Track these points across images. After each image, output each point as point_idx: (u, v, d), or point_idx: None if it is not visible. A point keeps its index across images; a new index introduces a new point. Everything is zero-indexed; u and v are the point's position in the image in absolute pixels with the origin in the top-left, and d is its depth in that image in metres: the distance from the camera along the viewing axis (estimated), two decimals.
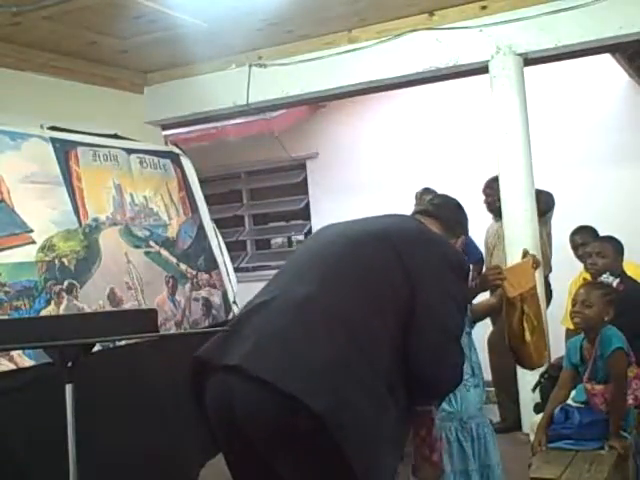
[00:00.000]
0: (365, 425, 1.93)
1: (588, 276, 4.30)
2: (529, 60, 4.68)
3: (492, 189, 5.06)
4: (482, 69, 4.73)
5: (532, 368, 3.34)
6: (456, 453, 2.84)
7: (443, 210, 2.75)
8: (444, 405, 2.86)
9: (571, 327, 4.14)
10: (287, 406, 1.88)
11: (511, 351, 3.02)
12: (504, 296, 2.87)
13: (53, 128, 4.36)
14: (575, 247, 4.87)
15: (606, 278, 3.61)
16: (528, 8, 4.49)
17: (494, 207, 5.13)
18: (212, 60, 5.25)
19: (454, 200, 2.86)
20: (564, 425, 3.31)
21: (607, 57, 5.88)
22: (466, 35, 4.67)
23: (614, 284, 3.53)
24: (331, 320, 2.02)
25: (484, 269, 5.80)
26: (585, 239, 4.79)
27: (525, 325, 2.88)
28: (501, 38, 4.58)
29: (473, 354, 2.97)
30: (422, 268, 2.15)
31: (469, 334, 3.00)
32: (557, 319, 4.56)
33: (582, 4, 4.32)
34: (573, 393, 3.51)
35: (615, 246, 4.23)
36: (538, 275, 3.92)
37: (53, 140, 4.25)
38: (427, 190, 5.88)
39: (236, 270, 5.76)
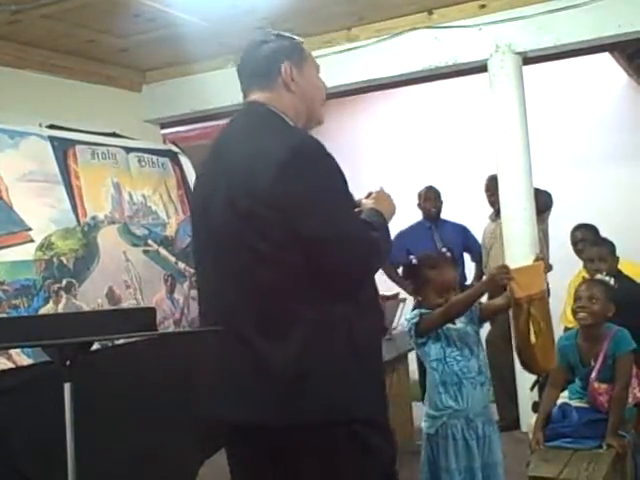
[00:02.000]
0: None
1: (587, 275, 4.32)
2: (528, 59, 4.68)
3: (494, 188, 5.06)
4: (481, 68, 4.73)
5: (538, 372, 3.32)
6: (462, 451, 2.85)
7: (247, 65, 2.23)
8: (451, 403, 2.88)
9: (569, 325, 4.15)
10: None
11: (517, 353, 3.02)
12: (511, 296, 2.86)
13: (51, 126, 4.36)
14: (575, 242, 4.92)
15: (603, 277, 3.62)
16: (527, 7, 4.49)
17: (498, 205, 5.13)
18: (211, 59, 5.25)
19: (252, 45, 2.25)
20: (562, 424, 3.31)
21: (606, 56, 5.88)
22: (465, 34, 4.67)
23: (611, 283, 3.54)
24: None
25: (483, 268, 5.82)
26: (585, 236, 4.83)
27: (531, 327, 2.87)
28: (500, 37, 4.58)
29: (480, 352, 2.98)
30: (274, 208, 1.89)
31: (477, 332, 3.01)
32: (555, 317, 4.56)
33: (581, 3, 4.33)
34: (565, 392, 3.52)
35: (610, 248, 4.28)
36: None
37: (51, 138, 4.25)
38: (430, 189, 5.88)
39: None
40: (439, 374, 2.91)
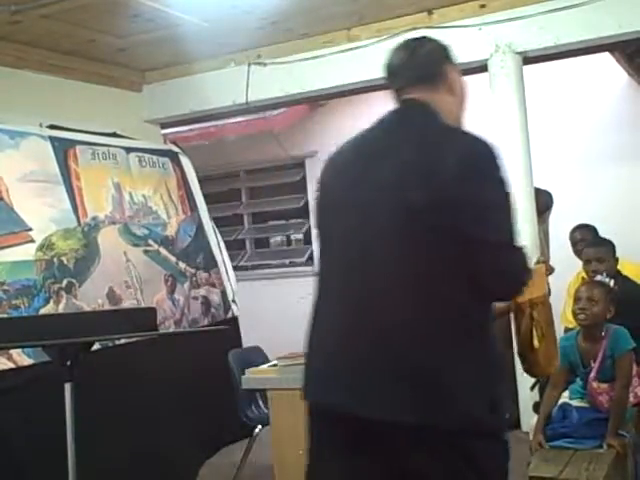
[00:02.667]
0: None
1: (586, 276, 4.32)
2: (528, 59, 4.68)
3: None
4: (481, 68, 4.73)
5: (540, 375, 3.32)
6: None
7: (408, 62, 2.17)
8: None
9: (570, 326, 4.15)
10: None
11: (519, 357, 3.01)
12: (513, 300, 2.84)
13: (52, 127, 4.36)
14: (574, 243, 4.92)
15: (602, 279, 3.62)
16: (527, 7, 4.49)
17: None
18: (211, 59, 5.25)
19: (417, 40, 2.23)
20: (563, 424, 3.31)
21: (606, 56, 5.87)
22: (465, 34, 4.66)
23: (610, 284, 3.54)
24: None
25: None
26: (585, 236, 4.83)
27: (534, 332, 2.85)
28: (500, 37, 4.58)
29: None
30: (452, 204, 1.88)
31: None
32: (555, 318, 4.55)
33: (581, 3, 4.32)
34: (566, 392, 3.52)
35: (610, 248, 4.27)
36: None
37: (52, 139, 4.25)
38: None
39: (235, 269, 5.76)
40: None
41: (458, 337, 1.92)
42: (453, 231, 1.88)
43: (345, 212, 2.07)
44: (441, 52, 2.18)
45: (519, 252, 1.98)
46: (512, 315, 2.89)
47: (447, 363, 1.90)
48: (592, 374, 3.35)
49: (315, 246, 2.30)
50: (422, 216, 1.89)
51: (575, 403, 3.40)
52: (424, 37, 2.23)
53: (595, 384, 3.33)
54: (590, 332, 3.40)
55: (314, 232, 2.24)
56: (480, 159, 1.96)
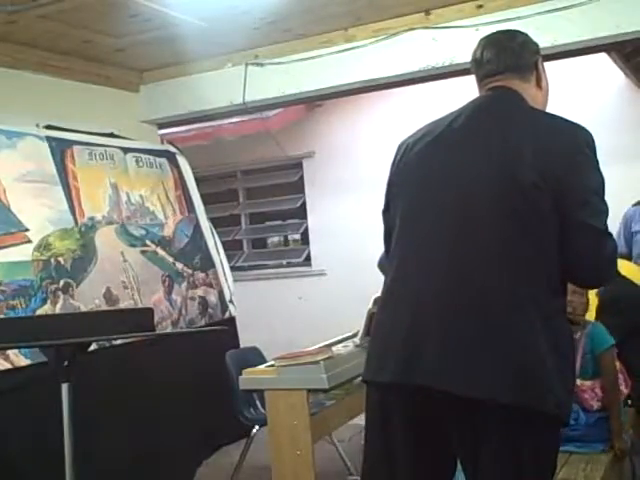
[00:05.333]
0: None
1: None
2: None
3: None
4: None
5: None
6: None
7: (505, 49, 2.26)
8: None
9: None
10: None
11: None
12: None
13: (49, 127, 4.36)
14: None
15: None
16: (524, 7, 4.48)
17: None
18: (209, 59, 5.24)
19: (507, 33, 2.36)
20: (573, 427, 3.30)
21: (603, 56, 5.88)
22: (462, 34, 4.66)
23: None
24: None
25: None
26: None
27: None
28: None
29: None
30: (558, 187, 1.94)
31: None
32: None
33: (578, 3, 4.32)
34: None
35: None
36: None
37: (49, 139, 4.25)
38: None
39: (232, 269, 5.76)
40: None
41: (548, 321, 1.94)
42: (557, 212, 1.93)
43: (445, 189, 2.07)
44: (533, 45, 2.28)
45: (614, 241, 2.03)
46: None
47: (541, 346, 1.91)
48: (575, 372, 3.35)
49: (391, 225, 2.25)
50: (530, 194, 1.93)
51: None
52: (516, 30, 2.34)
53: (579, 381, 3.33)
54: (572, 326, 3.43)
55: (395, 211, 2.19)
56: (584, 145, 2.04)
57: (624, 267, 4.41)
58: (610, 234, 2.02)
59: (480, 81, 2.29)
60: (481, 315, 1.93)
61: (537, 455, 1.96)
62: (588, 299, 3.45)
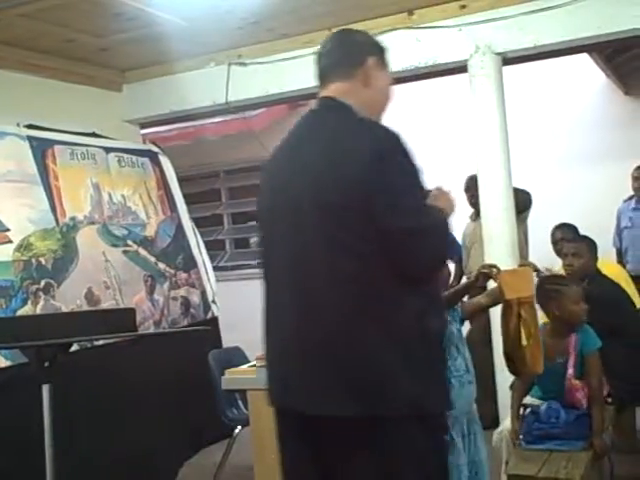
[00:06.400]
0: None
1: (564, 273, 4.36)
2: (508, 59, 4.69)
3: (475, 188, 5.08)
4: (461, 68, 4.74)
5: (527, 375, 3.32)
6: (449, 448, 2.86)
7: (332, 52, 2.26)
8: None
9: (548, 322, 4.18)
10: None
11: (506, 358, 3.02)
12: (501, 298, 2.86)
13: (30, 126, 4.33)
14: (555, 242, 4.98)
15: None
16: (507, 7, 4.50)
17: (479, 206, 5.16)
18: (191, 58, 5.22)
19: (336, 35, 2.32)
20: (553, 425, 3.32)
21: (585, 57, 5.92)
22: (445, 34, 4.67)
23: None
24: None
25: (463, 268, 5.85)
26: (565, 235, 4.88)
27: (522, 329, 2.87)
28: (480, 37, 4.59)
29: (466, 350, 2.99)
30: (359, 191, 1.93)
31: (459, 331, 3.02)
32: None
33: (561, 4, 4.34)
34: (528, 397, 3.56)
35: (590, 246, 4.30)
36: None
37: (30, 138, 4.22)
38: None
39: (215, 269, 5.75)
40: None
41: (392, 327, 1.95)
42: (370, 224, 1.92)
43: (279, 217, 2.13)
44: (368, 43, 2.26)
45: (432, 234, 2.00)
46: (501, 314, 2.92)
47: (384, 354, 1.94)
48: (570, 371, 3.38)
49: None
50: (340, 214, 1.94)
51: (549, 403, 3.41)
52: (350, 29, 2.32)
53: (573, 381, 3.36)
54: (557, 327, 3.45)
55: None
56: (383, 150, 1.98)
57: (606, 267, 4.44)
58: (426, 230, 1.98)
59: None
60: (317, 334, 1.99)
61: (412, 461, 1.98)
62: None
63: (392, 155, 1.99)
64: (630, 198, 6.08)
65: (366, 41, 2.27)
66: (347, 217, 1.94)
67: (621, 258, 6.02)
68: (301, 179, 2.04)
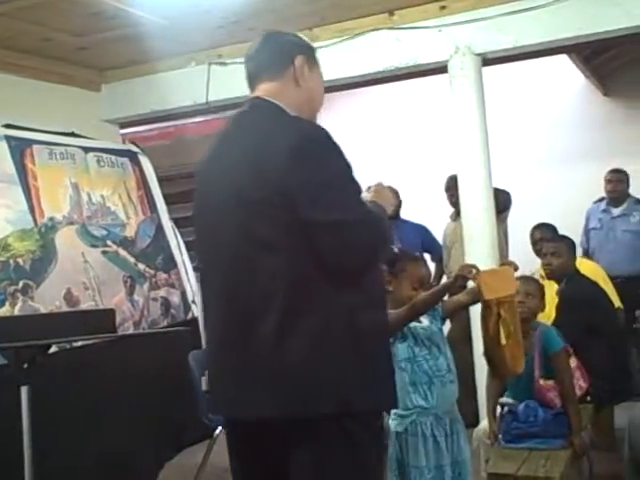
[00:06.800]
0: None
1: (543, 273, 4.39)
2: (487, 60, 4.72)
3: (455, 188, 5.11)
4: (441, 69, 4.76)
5: (507, 376, 3.33)
6: (431, 448, 2.87)
7: (260, 54, 2.30)
8: (420, 401, 2.89)
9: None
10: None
11: (486, 359, 3.03)
12: (480, 298, 2.86)
13: (8, 126, 4.29)
14: (534, 242, 5.01)
15: (532, 275, 3.70)
16: (487, 8, 4.52)
17: (459, 206, 5.18)
18: (172, 58, 5.20)
19: (262, 37, 2.34)
20: (532, 423, 3.34)
21: (564, 58, 5.96)
22: (425, 35, 4.69)
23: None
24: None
25: (444, 268, 5.86)
26: (544, 235, 4.91)
27: (501, 329, 2.87)
28: (460, 38, 4.61)
29: (447, 350, 3.00)
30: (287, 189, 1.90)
31: (440, 330, 3.03)
32: None
33: (541, 5, 4.37)
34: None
35: (569, 245, 4.33)
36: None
37: (8, 138, 4.19)
38: (388, 188, 5.90)
39: (195, 269, 5.72)
40: (408, 374, 2.92)
41: (322, 325, 1.92)
42: (295, 220, 1.90)
43: (207, 216, 2.16)
44: (295, 43, 2.26)
45: (359, 227, 1.95)
46: (480, 315, 2.92)
47: (312, 353, 1.91)
48: (537, 372, 3.40)
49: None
50: (262, 211, 1.93)
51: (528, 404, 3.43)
52: (277, 31, 2.31)
53: (542, 382, 3.38)
54: (522, 327, 3.47)
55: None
56: (306, 145, 1.96)
57: (583, 266, 4.48)
58: (352, 222, 1.94)
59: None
60: (241, 338, 1.98)
61: (347, 459, 1.97)
62: (544, 300, 3.49)
63: (315, 151, 1.96)
64: (600, 200, 6.14)
65: (294, 41, 2.27)
66: (270, 214, 1.92)
67: (589, 259, 6.07)
68: (226, 179, 2.04)
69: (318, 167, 1.95)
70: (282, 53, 2.22)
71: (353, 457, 1.98)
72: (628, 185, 6.00)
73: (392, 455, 2.96)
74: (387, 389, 2.10)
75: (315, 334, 1.91)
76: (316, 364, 1.91)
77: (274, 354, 1.92)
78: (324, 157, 1.97)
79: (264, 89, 2.20)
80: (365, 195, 2.23)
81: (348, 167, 2.02)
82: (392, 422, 2.98)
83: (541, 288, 3.57)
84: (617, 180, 5.97)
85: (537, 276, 4.45)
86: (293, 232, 1.91)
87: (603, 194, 6.13)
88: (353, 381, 1.95)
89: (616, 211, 5.99)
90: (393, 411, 2.98)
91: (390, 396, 2.12)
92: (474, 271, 2.82)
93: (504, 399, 3.56)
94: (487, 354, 2.95)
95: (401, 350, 2.93)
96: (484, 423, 3.71)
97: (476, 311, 3.79)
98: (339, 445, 1.95)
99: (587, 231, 6.15)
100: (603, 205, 6.08)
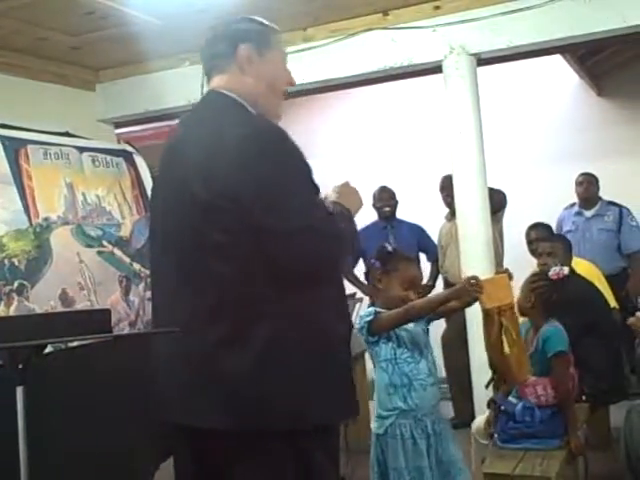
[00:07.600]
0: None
1: None
2: (482, 60, 4.73)
3: (450, 188, 5.11)
4: (436, 69, 4.77)
5: (514, 383, 3.32)
6: (410, 450, 2.86)
7: (210, 49, 2.25)
8: (399, 403, 2.89)
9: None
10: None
11: (491, 367, 3.02)
12: (481, 307, 2.84)
13: (2, 126, 4.28)
14: (530, 242, 5.02)
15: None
16: (481, 9, 4.53)
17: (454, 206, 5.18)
18: (166, 58, 5.20)
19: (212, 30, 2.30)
20: (528, 424, 3.33)
21: (558, 58, 5.97)
22: (420, 35, 4.70)
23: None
24: None
25: (439, 268, 5.86)
26: (540, 235, 4.92)
27: (504, 338, 2.86)
28: (454, 38, 4.62)
29: (429, 353, 3.00)
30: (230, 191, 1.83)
31: (425, 331, 3.02)
32: None
33: (535, 5, 4.38)
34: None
35: (564, 245, 4.34)
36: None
37: (2, 138, 4.17)
38: (384, 189, 5.93)
39: None
40: (389, 375, 2.92)
41: (273, 335, 1.85)
42: (246, 224, 1.82)
43: (158, 215, 2.11)
44: (240, 32, 2.22)
45: (316, 233, 1.87)
46: (482, 324, 2.91)
47: (262, 364, 1.84)
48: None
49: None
50: (210, 214, 1.85)
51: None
52: (228, 20, 2.30)
53: (533, 378, 3.38)
54: (534, 323, 3.47)
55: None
56: (259, 147, 1.88)
57: (579, 266, 4.48)
58: (307, 228, 1.85)
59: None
60: (192, 347, 1.93)
61: (295, 473, 1.91)
62: (533, 297, 3.49)
63: (268, 152, 1.88)
64: (571, 205, 6.19)
65: (240, 29, 2.22)
66: (219, 217, 1.84)
67: None
68: (178, 179, 1.96)
69: (272, 169, 1.86)
70: (227, 43, 2.17)
71: (302, 473, 1.92)
72: (598, 188, 6.07)
73: (373, 457, 2.96)
74: (344, 398, 2.02)
75: (265, 344, 1.84)
76: (267, 375, 1.84)
77: (222, 364, 1.86)
78: (278, 158, 1.89)
79: (216, 81, 2.15)
80: (329, 195, 2.15)
81: (305, 168, 1.94)
82: (374, 424, 2.99)
83: (532, 282, 3.54)
84: (588, 182, 6.05)
85: None
86: (245, 238, 1.83)
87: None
88: (308, 395, 1.88)
89: (589, 213, 6.06)
90: (375, 412, 2.98)
91: (348, 405, 2.03)
92: (478, 289, 2.77)
93: (500, 396, 3.56)
94: (492, 364, 2.94)
95: (384, 351, 2.93)
96: (478, 419, 3.71)
97: (471, 312, 3.80)
98: (289, 466, 1.89)
99: None
100: (575, 208, 6.14)
